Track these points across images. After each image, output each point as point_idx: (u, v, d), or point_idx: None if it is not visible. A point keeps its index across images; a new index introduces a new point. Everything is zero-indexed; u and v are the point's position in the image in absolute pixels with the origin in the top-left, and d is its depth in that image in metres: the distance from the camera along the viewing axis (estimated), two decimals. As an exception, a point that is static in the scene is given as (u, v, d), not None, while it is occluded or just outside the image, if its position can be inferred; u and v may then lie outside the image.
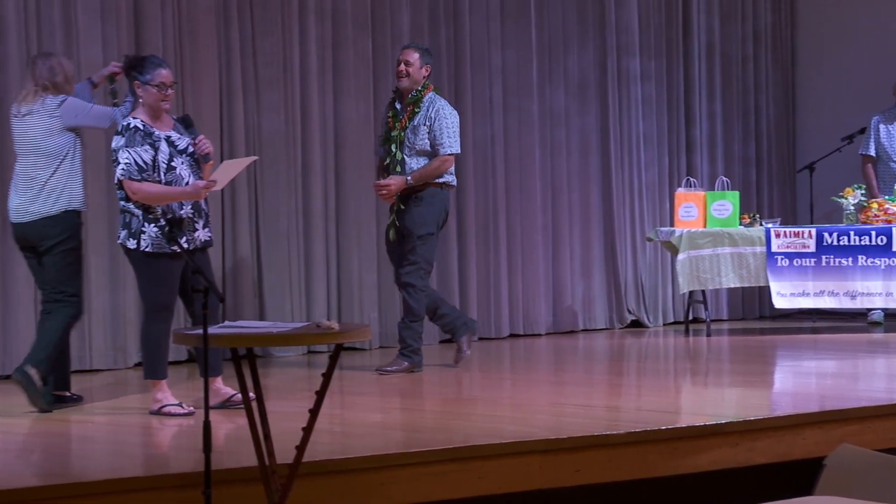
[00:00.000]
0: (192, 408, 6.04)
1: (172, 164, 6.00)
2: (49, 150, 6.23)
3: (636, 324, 9.99)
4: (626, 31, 9.95)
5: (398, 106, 7.38)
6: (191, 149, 6.09)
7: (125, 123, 6.03)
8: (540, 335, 9.45)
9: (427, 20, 9.02)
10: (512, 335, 9.37)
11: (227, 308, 8.05)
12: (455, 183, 7.51)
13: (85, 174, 6.39)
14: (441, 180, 7.33)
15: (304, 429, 4.49)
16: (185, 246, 5.96)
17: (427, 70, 7.34)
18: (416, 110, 7.28)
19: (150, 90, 6.02)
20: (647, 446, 5.27)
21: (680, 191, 9.32)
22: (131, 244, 6.00)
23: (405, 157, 7.29)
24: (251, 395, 4.59)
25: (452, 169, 7.40)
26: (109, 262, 7.77)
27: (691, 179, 9.65)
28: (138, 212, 5.98)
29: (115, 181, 5.99)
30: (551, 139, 9.62)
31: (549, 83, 9.60)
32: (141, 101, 6.06)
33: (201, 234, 6.12)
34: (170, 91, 6.05)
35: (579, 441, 5.19)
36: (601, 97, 9.85)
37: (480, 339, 9.15)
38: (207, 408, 4.33)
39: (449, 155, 7.28)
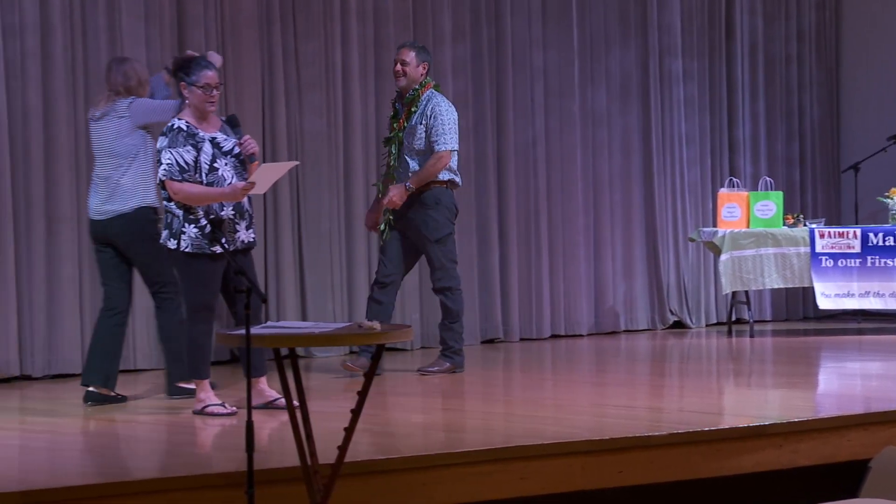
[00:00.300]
0: (234, 408, 6.06)
1: (215, 165, 6.03)
2: (120, 151, 6.48)
3: (678, 325, 9.94)
4: (669, 32, 9.90)
5: (398, 106, 7.28)
6: (237, 150, 6.11)
7: (169, 124, 6.07)
8: (581, 336, 9.42)
9: (468, 21, 9.01)
10: (553, 336, 9.35)
11: (270, 308, 8.07)
12: (460, 182, 7.32)
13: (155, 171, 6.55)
14: (445, 178, 7.15)
15: (346, 429, 4.49)
16: (226, 247, 5.98)
17: (424, 67, 7.17)
18: (414, 110, 7.14)
19: (196, 91, 6.05)
20: (690, 447, 5.24)
21: (723, 191, 9.26)
22: (172, 244, 6.04)
23: (406, 157, 7.16)
24: (293, 395, 4.60)
25: (455, 166, 7.22)
26: (153, 262, 7.81)
27: (734, 179, 9.59)
28: (179, 212, 6.01)
29: (157, 181, 6.03)
30: (593, 140, 9.59)
31: (591, 84, 9.57)
32: (187, 102, 6.09)
33: (243, 236, 6.13)
34: (215, 93, 6.07)
35: (622, 442, 5.17)
36: (643, 97, 9.81)
37: (522, 339, 9.14)
38: (250, 408, 4.34)
39: (445, 151, 7.10)
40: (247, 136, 6.14)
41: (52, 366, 7.50)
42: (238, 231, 6.10)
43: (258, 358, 6.11)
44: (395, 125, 7.23)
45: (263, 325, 5.04)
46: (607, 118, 9.65)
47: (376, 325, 4.55)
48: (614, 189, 9.69)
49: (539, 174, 9.30)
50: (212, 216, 5.98)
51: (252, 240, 6.20)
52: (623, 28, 9.72)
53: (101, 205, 6.50)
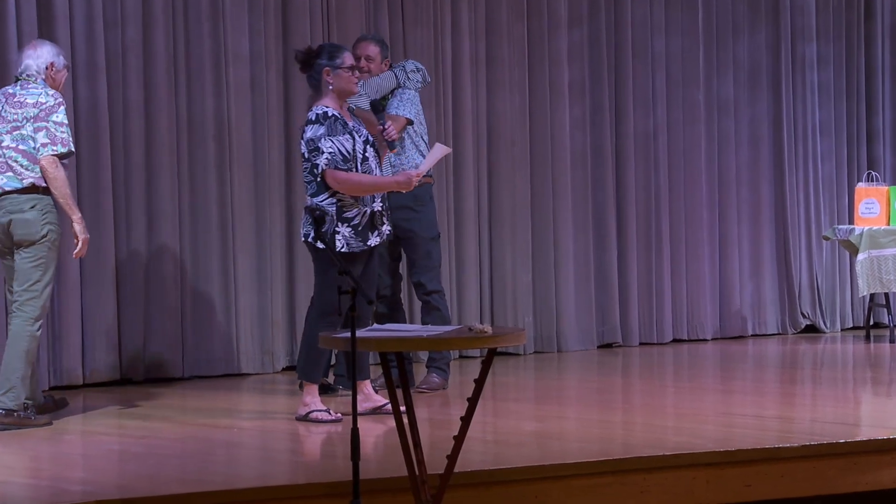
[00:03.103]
0: (339, 414, 6.12)
1: (367, 154, 6.08)
2: None
3: (811, 329, 9.80)
4: (802, 14, 9.76)
5: None
6: (370, 139, 6.16)
7: (321, 111, 6.04)
8: (705, 340, 9.34)
9: (586, 5, 8.98)
10: (675, 340, 9.27)
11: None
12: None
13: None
14: (430, 172, 6.87)
15: (455, 437, 4.51)
16: (371, 244, 6.03)
17: (387, 64, 7.03)
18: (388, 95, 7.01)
19: (342, 74, 6.06)
20: (823, 461, 5.17)
21: (860, 185, 9.11)
22: (321, 245, 5.99)
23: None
24: (400, 401, 4.63)
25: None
26: (256, 261, 7.92)
27: (873, 173, 9.42)
28: (332, 211, 6.00)
29: (315, 172, 5.97)
30: (718, 131, 9.49)
31: (717, 71, 9.47)
32: (330, 87, 6.08)
33: (387, 228, 6.23)
34: (357, 72, 6.18)
35: (749, 454, 5.12)
36: (774, 85, 9.68)
37: (641, 344, 9.08)
38: (356, 414, 4.38)
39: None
40: (389, 123, 6.22)
41: (152, 370, 7.63)
42: (385, 223, 6.18)
43: (362, 361, 6.15)
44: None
45: (370, 327, 5.09)
46: (734, 108, 9.54)
47: (487, 327, 4.56)
48: (741, 183, 9.58)
49: (660, 167, 9.23)
50: (366, 210, 6.02)
51: (389, 231, 6.29)
52: (752, 11, 9.60)
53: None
